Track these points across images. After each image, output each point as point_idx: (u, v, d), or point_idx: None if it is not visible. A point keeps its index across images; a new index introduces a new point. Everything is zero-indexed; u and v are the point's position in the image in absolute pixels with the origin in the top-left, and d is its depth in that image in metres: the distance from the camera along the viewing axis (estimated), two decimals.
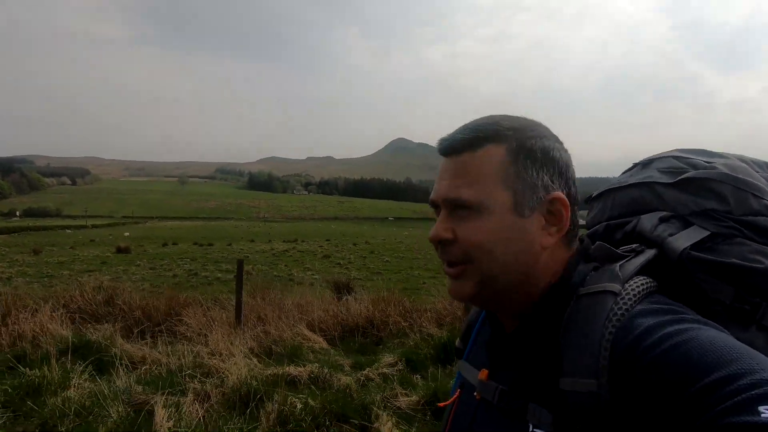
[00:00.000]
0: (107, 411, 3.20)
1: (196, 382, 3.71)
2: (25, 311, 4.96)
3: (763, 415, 0.37)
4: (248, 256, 20.54)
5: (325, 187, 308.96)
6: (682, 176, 0.63)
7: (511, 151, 0.58)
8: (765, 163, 0.68)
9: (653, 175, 0.67)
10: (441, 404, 0.75)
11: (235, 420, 3.20)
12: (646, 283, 0.54)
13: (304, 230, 63.92)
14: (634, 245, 0.62)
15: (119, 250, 22.00)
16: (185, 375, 3.90)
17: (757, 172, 0.64)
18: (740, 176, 0.61)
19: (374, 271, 14.74)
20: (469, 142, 0.58)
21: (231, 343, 4.36)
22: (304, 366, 4.11)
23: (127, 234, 51.79)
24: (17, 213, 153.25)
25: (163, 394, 3.49)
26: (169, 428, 2.97)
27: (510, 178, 0.57)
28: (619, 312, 0.50)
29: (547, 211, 0.58)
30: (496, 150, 0.58)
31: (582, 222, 0.65)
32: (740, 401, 0.39)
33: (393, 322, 5.40)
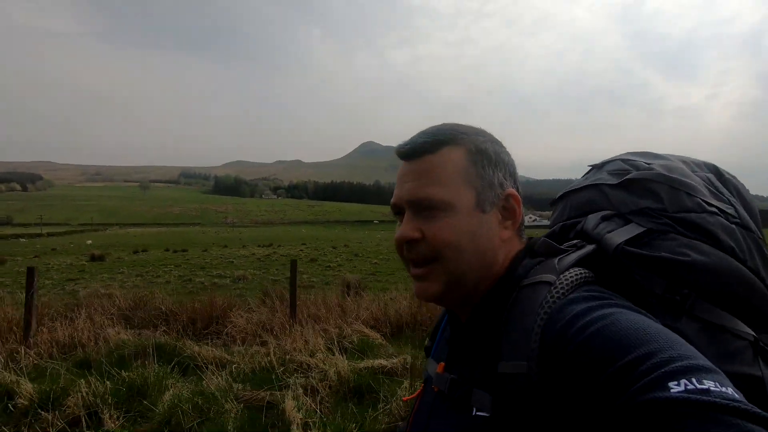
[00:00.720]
0: (221, 408, 3.26)
1: (296, 378, 3.77)
2: (60, 318, 4.85)
3: (672, 390, 0.40)
4: (233, 261, 20.22)
5: (295, 191, 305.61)
6: (625, 177, 0.69)
7: (469, 152, 0.64)
8: (704, 163, 0.74)
9: (603, 177, 0.73)
10: (405, 398, 0.80)
11: (352, 410, 3.27)
12: (580, 273, 0.58)
13: (276, 235, 62.93)
14: (575, 241, 0.68)
15: (93, 258, 21.11)
16: (280, 371, 3.96)
17: (695, 172, 0.70)
18: (675, 176, 0.66)
19: (368, 273, 14.78)
20: (430, 145, 0.63)
21: (306, 342, 4.40)
22: (393, 358, 4.21)
23: (89, 242, 49.39)
24: None
25: (265, 390, 3.58)
26: (300, 419, 3.03)
27: (471, 177, 0.63)
28: (551, 300, 0.54)
29: (503, 207, 0.64)
30: (456, 152, 0.63)
31: (546, 222, 0.73)
32: (653, 379, 0.41)
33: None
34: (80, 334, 4.56)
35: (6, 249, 38.88)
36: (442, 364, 0.68)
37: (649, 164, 0.70)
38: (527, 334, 0.53)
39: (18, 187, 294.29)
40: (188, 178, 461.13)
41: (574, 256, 0.61)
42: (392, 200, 0.66)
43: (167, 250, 29.96)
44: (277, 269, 16.42)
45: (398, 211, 0.66)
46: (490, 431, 0.54)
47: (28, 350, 4.34)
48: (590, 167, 0.80)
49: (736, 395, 0.40)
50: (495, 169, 0.65)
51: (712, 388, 0.40)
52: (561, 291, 0.55)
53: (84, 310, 5.06)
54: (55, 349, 4.47)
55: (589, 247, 0.64)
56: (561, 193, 0.80)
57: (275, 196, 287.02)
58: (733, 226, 0.63)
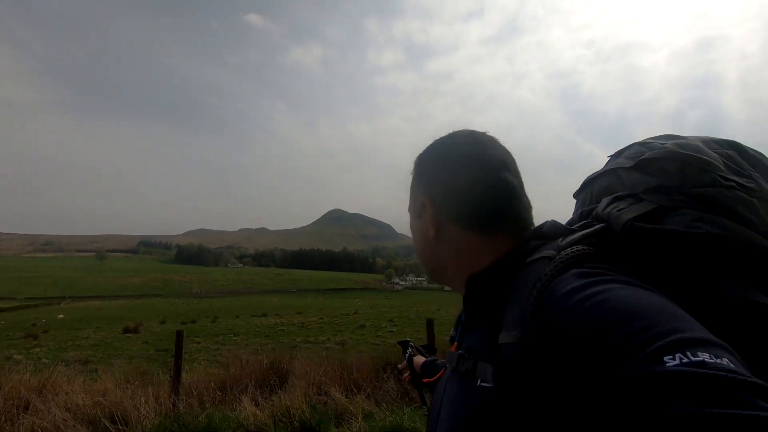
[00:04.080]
0: None
1: None
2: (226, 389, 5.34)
3: (668, 364, 0.39)
4: (282, 328, 20.27)
5: (261, 259, 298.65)
6: (639, 158, 0.67)
7: (415, 172, 0.81)
8: (726, 141, 0.69)
9: (620, 161, 0.72)
10: (426, 380, 0.93)
11: None
12: (581, 249, 0.58)
13: (251, 305, 61.25)
14: (584, 221, 0.68)
15: (128, 330, 21.21)
16: None
17: (715, 150, 0.66)
18: (688, 152, 0.63)
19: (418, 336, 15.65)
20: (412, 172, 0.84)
21: None
22: None
23: (61, 316, 46.75)
24: None
25: None
26: None
27: (413, 191, 0.80)
28: (549, 273, 0.55)
29: (422, 212, 0.76)
30: (413, 175, 0.82)
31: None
32: (648, 353, 0.40)
33: None
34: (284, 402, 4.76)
35: None
36: (455, 344, 0.73)
37: (663, 144, 0.67)
38: (524, 306, 0.54)
39: None
40: (148, 247, 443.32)
41: (579, 235, 0.61)
42: None
43: (162, 322, 29.18)
44: (309, 337, 16.85)
45: None
46: (493, 401, 0.55)
47: None
48: (609, 156, 0.78)
49: (733, 366, 0.39)
50: (419, 179, 0.78)
51: (707, 360, 0.39)
52: (559, 265, 0.55)
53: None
54: None
55: (598, 226, 0.63)
56: (583, 182, 0.80)
57: (241, 265, 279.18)
58: (754, 199, 0.59)
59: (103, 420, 3.95)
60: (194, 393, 4.91)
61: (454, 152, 0.74)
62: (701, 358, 0.39)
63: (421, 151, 0.80)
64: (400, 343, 1.40)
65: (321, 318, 28.61)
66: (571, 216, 0.79)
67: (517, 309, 0.56)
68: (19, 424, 3.90)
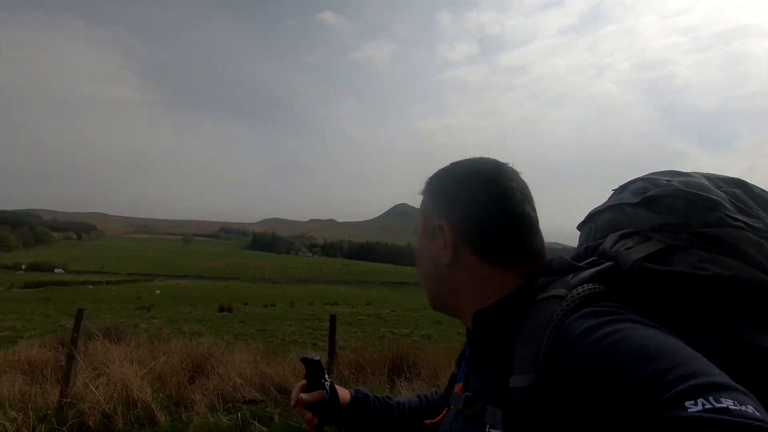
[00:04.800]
0: None
1: None
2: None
3: (690, 410, 0.38)
4: (361, 317, 21.29)
5: (330, 250, 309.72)
6: (644, 195, 0.67)
7: (428, 190, 0.78)
8: (731, 179, 0.69)
9: (625, 197, 0.72)
10: (428, 421, 0.86)
11: None
12: (593, 288, 0.57)
13: (323, 293, 64.13)
14: (592, 259, 0.66)
15: (222, 309, 23.41)
16: None
17: (720, 188, 0.66)
18: (694, 191, 0.63)
19: None
20: (423, 190, 0.81)
21: None
22: None
23: (158, 292, 52.41)
24: (22, 266, 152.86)
25: None
26: None
27: (426, 210, 0.77)
28: (561, 313, 0.53)
29: (438, 235, 0.72)
30: (425, 194, 0.80)
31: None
32: (668, 397, 0.39)
33: None
34: None
35: (91, 295, 41.90)
36: (460, 384, 0.71)
37: (669, 181, 0.68)
38: (535, 347, 0.53)
39: (74, 236, 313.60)
40: (228, 233, 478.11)
41: (588, 273, 0.60)
42: None
43: (245, 303, 31.60)
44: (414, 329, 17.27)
45: None
46: None
47: None
48: (613, 190, 0.79)
49: (758, 414, 0.37)
50: (435, 199, 0.75)
51: (731, 407, 0.37)
52: (571, 305, 0.54)
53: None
54: None
55: (606, 264, 0.62)
56: (587, 215, 0.80)
57: (311, 254, 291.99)
58: (762, 240, 0.58)
59: (271, 387, 4.59)
60: (333, 373, 5.39)
61: (478, 179, 0.72)
62: (725, 405, 0.38)
63: (438, 168, 0.79)
64: (306, 360, 0.89)
65: (393, 311, 29.25)
66: (576, 249, 0.78)
67: (529, 350, 0.54)
68: (199, 384, 4.67)
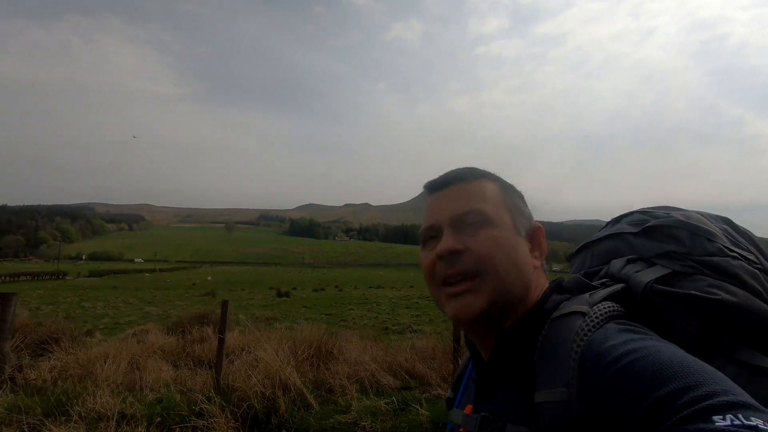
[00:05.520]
0: None
1: None
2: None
3: (717, 424, 0.39)
4: (414, 300, 21.54)
5: (366, 233, 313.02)
6: (647, 225, 0.72)
7: (502, 185, 0.70)
8: (719, 216, 0.76)
9: (623, 227, 0.77)
10: None
11: None
12: (613, 306, 0.59)
13: (362, 276, 64.93)
14: (603, 280, 0.70)
15: (280, 294, 24.18)
16: None
17: (712, 222, 0.72)
18: (694, 222, 0.69)
19: None
20: (464, 175, 0.70)
21: None
22: None
23: (209, 278, 54.88)
24: (83, 257, 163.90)
25: None
26: None
27: (507, 202, 0.68)
28: (586, 328, 0.55)
29: (531, 238, 0.69)
30: (490, 183, 0.69)
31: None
32: (695, 411, 0.41)
33: None
34: None
35: (150, 282, 44.43)
36: (470, 405, 0.68)
37: (667, 214, 0.73)
38: (564, 362, 0.53)
39: (126, 227, 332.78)
40: (267, 220, 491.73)
41: (604, 292, 0.63)
42: (427, 224, 0.68)
43: (293, 288, 32.50)
44: None
45: (434, 235, 0.67)
46: None
47: None
48: (607, 222, 0.84)
49: None
50: (523, 202, 0.72)
51: (760, 426, 0.38)
52: (596, 320, 0.56)
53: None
54: None
55: (618, 285, 0.65)
56: (580, 246, 0.83)
57: (347, 238, 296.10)
58: (756, 270, 0.65)
59: (402, 372, 4.78)
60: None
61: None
62: (754, 423, 0.39)
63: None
64: None
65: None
66: (570, 275, 0.78)
67: (555, 365, 0.54)
68: (334, 370, 4.92)
